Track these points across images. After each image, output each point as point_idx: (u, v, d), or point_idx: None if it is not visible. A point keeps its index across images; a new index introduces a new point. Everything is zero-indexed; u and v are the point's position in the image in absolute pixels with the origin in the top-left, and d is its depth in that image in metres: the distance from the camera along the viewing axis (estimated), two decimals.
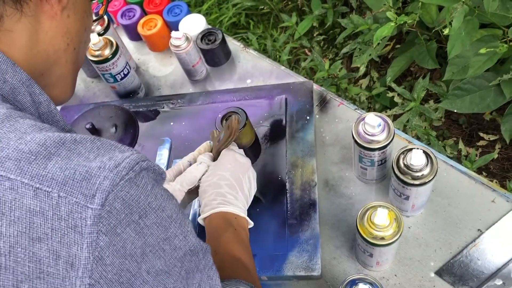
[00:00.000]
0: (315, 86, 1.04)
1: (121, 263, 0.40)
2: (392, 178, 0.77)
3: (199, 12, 2.15)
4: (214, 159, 0.80)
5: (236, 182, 0.74)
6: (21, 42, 0.48)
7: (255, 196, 0.89)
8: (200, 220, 0.73)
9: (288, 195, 0.88)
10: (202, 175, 0.76)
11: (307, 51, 1.97)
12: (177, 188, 0.74)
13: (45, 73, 0.52)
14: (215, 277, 0.50)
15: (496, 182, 1.49)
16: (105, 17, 1.12)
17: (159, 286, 0.43)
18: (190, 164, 0.79)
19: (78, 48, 0.55)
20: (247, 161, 0.79)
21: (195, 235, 0.49)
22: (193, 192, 0.78)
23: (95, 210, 0.38)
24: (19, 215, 0.38)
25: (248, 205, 0.75)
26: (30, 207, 0.38)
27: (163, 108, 1.08)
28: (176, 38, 1.06)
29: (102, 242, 0.39)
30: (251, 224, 0.73)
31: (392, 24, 1.21)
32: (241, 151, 0.83)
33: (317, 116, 1.00)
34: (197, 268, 0.48)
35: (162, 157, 1.00)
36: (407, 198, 0.77)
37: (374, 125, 0.75)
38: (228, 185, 0.73)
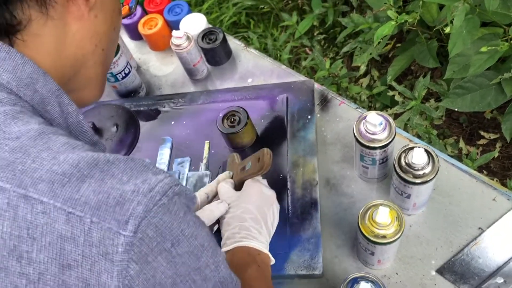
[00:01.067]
0: (316, 85, 1.04)
1: None
2: (394, 177, 0.77)
3: (199, 11, 2.15)
4: (236, 187, 0.76)
5: (261, 216, 0.71)
6: (49, 46, 0.46)
7: None
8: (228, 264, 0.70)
9: (289, 194, 0.88)
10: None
11: (307, 50, 1.97)
12: None
13: (73, 77, 0.50)
14: None
15: (496, 180, 1.49)
16: None
17: None
18: (208, 197, 0.75)
19: (106, 49, 0.52)
20: (272, 194, 0.75)
21: (226, 266, 0.47)
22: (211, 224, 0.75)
23: (128, 237, 0.37)
24: (50, 241, 0.36)
25: (270, 239, 0.72)
26: (61, 233, 0.37)
27: (164, 107, 1.08)
28: (177, 37, 1.06)
29: (132, 270, 0.37)
30: (273, 261, 0.70)
31: (393, 23, 1.21)
32: (265, 181, 0.78)
33: (318, 115, 1.00)
34: None
35: (163, 156, 1.00)
36: (409, 196, 0.77)
37: (375, 123, 0.75)
38: (253, 218, 0.70)
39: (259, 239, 0.69)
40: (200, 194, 0.75)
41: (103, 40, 0.51)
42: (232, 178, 0.78)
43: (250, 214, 0.70)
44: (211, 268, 0.44)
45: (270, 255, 0.70)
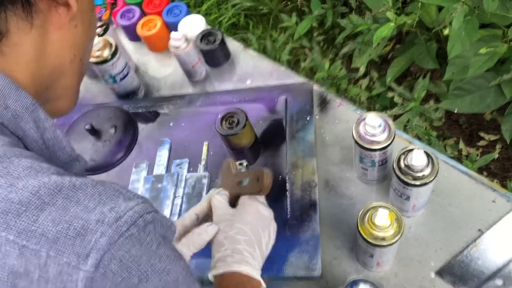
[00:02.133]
0: (315, 87, 1.03)
1: None
2: (393, 179, 0.77)
3: (198, 12, 2.15)
4: (231, 200, 0.71)
5: (255, 238, 0.66)
6: (28, 55, 0.45)
7: None
8: (210, 276, 0.65)
9: (288, 195, 0.88)
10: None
11: (307, 52, 1.97)
12: (183, 251, 0.65)
13: (50, 86, 0.49)
14: None
15: (496, 182, 1.49)
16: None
17: None
18: (198, 218, 0.70)
19: (83, 59, 0.52)
20: (269, 213, 0.70)
21: None
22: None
23: (88, 272, 0.34)
24: (0, 277, 0.34)
25: (263, 262, 0.67)
26: (13, 268, 0.34)
27: (163, 109, 1.08)
28: (176, 38, 1.05)
29: None
30: (263, 287, 0.65)
31: (392, 24, 1.21)
32: (263, 199, 0.72)
33: (317, 116, 1.00)
34: None
35: (161, 158, 1.00)
36: (408, 198, 0.77)
37: (374, 125, 0.75)
38: (247, 241, 0.65)
39: (252, 264, 0.64)
40: (190, 215, 0.70)
41: (81, 50, 0.51)
42: (225, 187, 0.73)
43: (244, 236, 0.65)
44: None
45: (262, 281, 0.65)
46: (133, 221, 0.37)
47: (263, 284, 0.65)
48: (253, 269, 0.64)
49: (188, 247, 0.65)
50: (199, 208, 0.70)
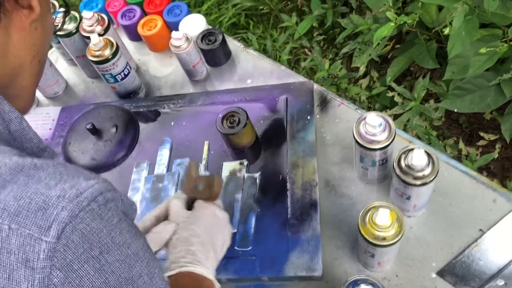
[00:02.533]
0: (316, 86, 1.04)
1: None
2: (394, 178, 0.77)
3: (199, 12, 2.15)
4: (188, 204, 0.73)
5: (210, 240, 0.67)
6: None
7: (255, 196, 0.89)
8: (165, 277, 0.66)
9: (289, 195, 0.88)
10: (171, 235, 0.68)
11: (307, 51, 1.97)
12: None
13: (9, 85, 0.51)
14: None
15: (496, 181, 1.49)
16: (105, 17, 1.12)
17: None
18: (157, 220, 0.71)
19: (42, 61, 0.54)
20: (224, 216, 0.72)
21: (163, 278, 0.46)
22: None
23: (50, 243, 0.35)
24: None
25: (218, 264, 0.69)
26: None
27: (164, 108, 1.08)
28: (176, 38, 1.05)
29: (56, 278, 0.36)
30: (218, 286, 0.66)
31: (392, 24, 1.21)
32: (220, 202, 0.75)
33: (317, 116, 1.00)
34: None
35: (162, 157, 1.00)
36: (409, 198, 0.77)
37: (375, 125, 0.75)
38: (200, 242, 0.66)
39: (205, 265, 0.65)
40: (150, 218, 0.70)
41: (40, 52, 0.53)
42: (183, 190, 0.75)
43: (198, 238, 0.66)
44: (144, 279, 0.42)
45: (215, 281, 0.66)
46: (93, 197, 0.38)
47: (217, 284, 0.66)
48: (206, 270, 0.64)
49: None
50: (158, 210, 0.72)
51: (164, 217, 0.71)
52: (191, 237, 0.66)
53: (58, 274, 0.36)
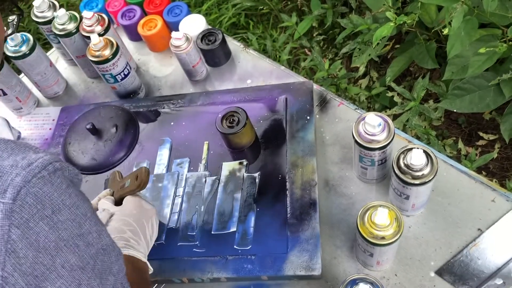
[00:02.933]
0: (315, 86, 1.04)
1: (35, 256, 0.41)
2: (393, 178, 0.77)
3: (198, 12, 2.15)
4: (116, 204, 0.79)
5: (140, 228, 0.75)
6: None
7: (255, 196, 0.90)
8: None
9: (288, 194, 0.88)
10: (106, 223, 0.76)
11: (307, 51, 1.97)
12: None
13: None
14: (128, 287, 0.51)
15: (495, 181, 1.49)
16: (105, 17, 1.12)
17: (73, 281, 0.44)
18: None
19: None
20: (152, 208, 0.80)
21: (109, 235, 0.50)
22: None
23: (7, 204, 0.40)
24: None
25: (149, 251, 0.76)
26: None
27: (164, 108, 1.08)
28: (176, 38, 1.06)
29: (14, 235, 0.40)
30: (151, 270, 0.74)
31: (392, 24, 1.22)
32: (146, 196, 0.82)
33: (317, 116, 1.00)
34: (110, 271, 0.49)
35: (162, 157, 1.01)
36: (407, 197, 0.77)
37: (374, 124, 0.75)
38: (132, 230, 0.73)
39: (137, 249, 0.72)
40: None
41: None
42: (113, 195, 0.81)
43: (129, 227, 0.73)
44: (93, 235, 0.47)
45: (148, 264, 0.73)
46: (43, 166, 0.43)
47: (150, 267, 0.73)
48: (139, 253, 0.71)
49: None
50: (92, 203, 0.77)
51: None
52: (122, 226, 0.73)
53: (16, 231, 0.40)
